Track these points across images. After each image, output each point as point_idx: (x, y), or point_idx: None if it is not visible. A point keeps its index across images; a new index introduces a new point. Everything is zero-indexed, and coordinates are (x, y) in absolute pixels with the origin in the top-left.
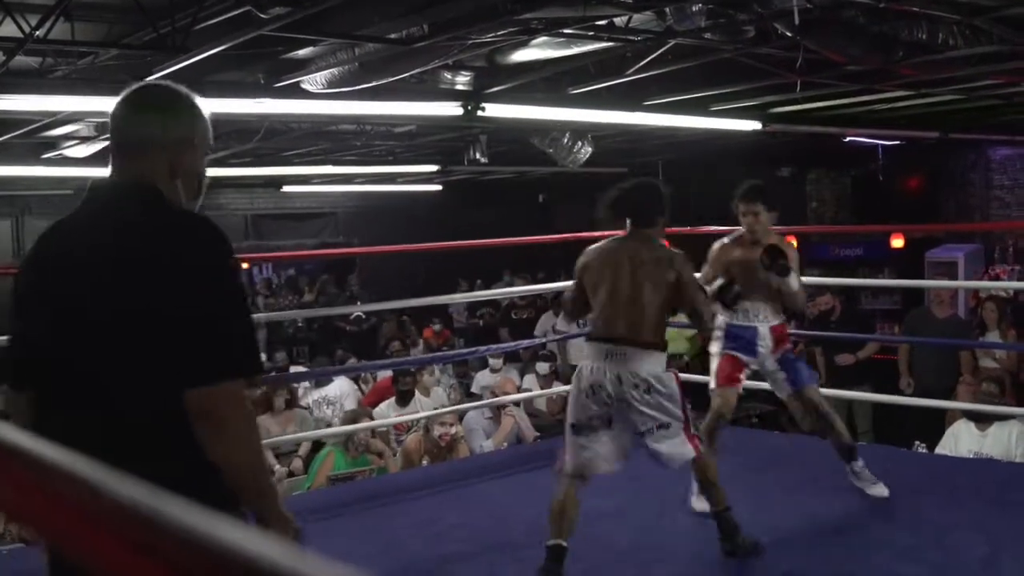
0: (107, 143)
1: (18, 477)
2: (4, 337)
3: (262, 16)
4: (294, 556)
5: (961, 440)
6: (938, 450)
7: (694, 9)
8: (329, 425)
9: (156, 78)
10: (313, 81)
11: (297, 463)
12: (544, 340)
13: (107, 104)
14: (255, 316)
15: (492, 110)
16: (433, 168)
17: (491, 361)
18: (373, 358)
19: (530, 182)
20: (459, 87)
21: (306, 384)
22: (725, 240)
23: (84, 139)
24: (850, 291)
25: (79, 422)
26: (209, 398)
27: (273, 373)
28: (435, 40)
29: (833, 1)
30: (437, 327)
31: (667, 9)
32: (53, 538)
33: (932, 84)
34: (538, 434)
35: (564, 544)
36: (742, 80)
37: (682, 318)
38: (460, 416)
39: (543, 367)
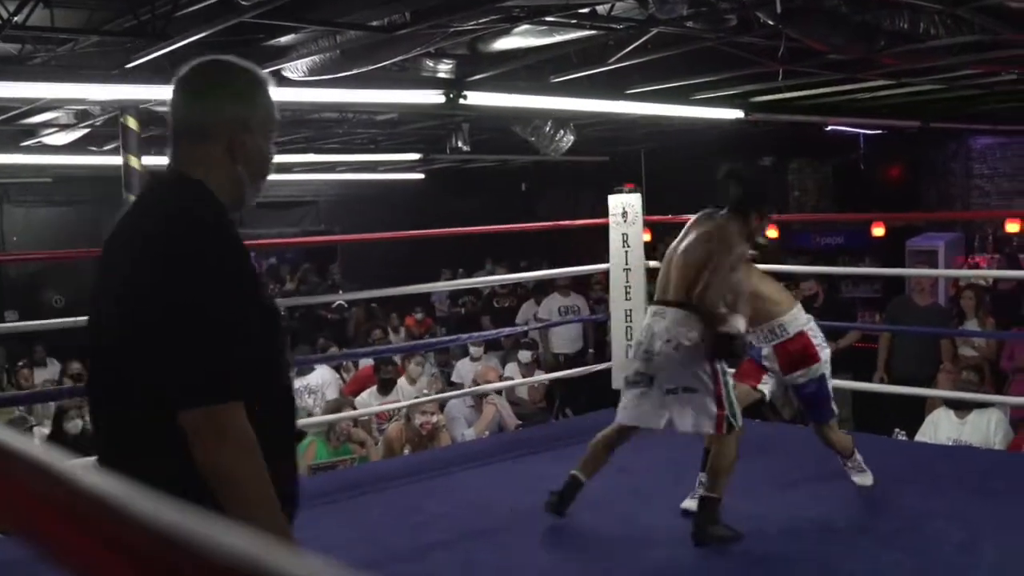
0: (86, 131)
1: None
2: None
3: (243, 3)
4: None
5: (941, 428)
6: (918, 438)
7: None
8: (311, 414)
9: (135, 65)
10: (294, 69)
11: None
12: (526, 328)
13: (87, 91)
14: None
15: (474, 98)
16: (415, 156)
17: (471, 350)
18: (354, 347)
19: (512, 170)
20: (441, 75)
21: None
22: None
23: (64, 127)
24: (831, 279)
25: (98, 419)
26: (186, 420)
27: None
28: (417, 28)
29: None
30: (419, 315)
31: None
32: (16, 529)
33: (914, 73)
34: (520, 422)
35: (581, 479)
36: (724, 69)
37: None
38: (441, 405)
39: (525, 355)
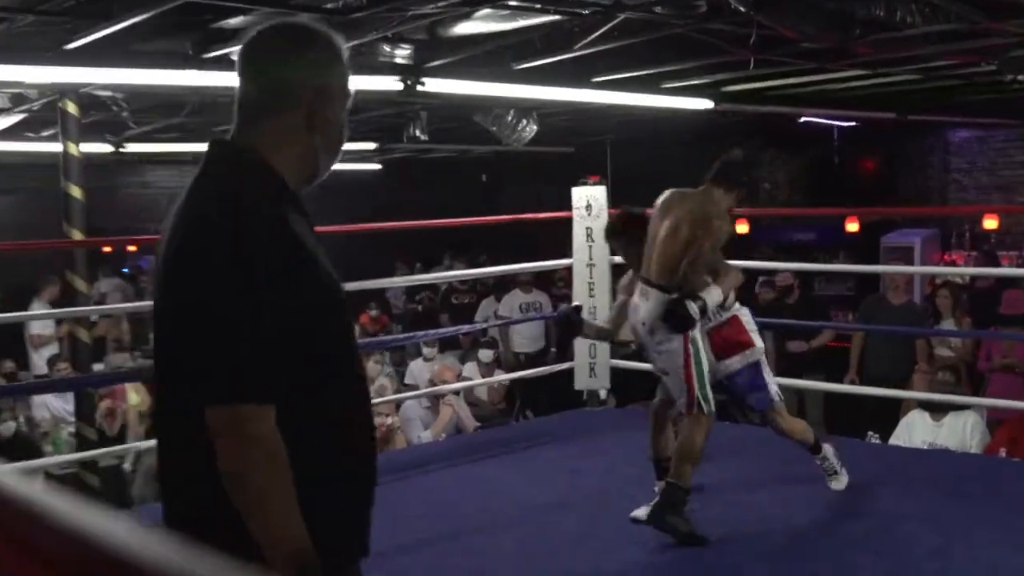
0: (23, 115)
1: None
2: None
3: None
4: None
5: (915, 430)
6: (892, 441)
7: None
8: None
9: (75, 47)
10: None
11: None
12: (485, 325)
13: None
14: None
15: (433, 85)
16: (371, 146)
17: (424, 350)
18: None
19: (472, 161)
20: (399, 60)
21: None
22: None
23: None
24: (804, 277)
25: (156, 408)
26: (209, 419)
27: None
28: (374, 11)
29: None
30: (374, 312)
31: None
32: None
33: (889, 63)
34: (479, 424)
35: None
36: (693, 57)
37: None
38: (397, 406)
39: (486, 354)
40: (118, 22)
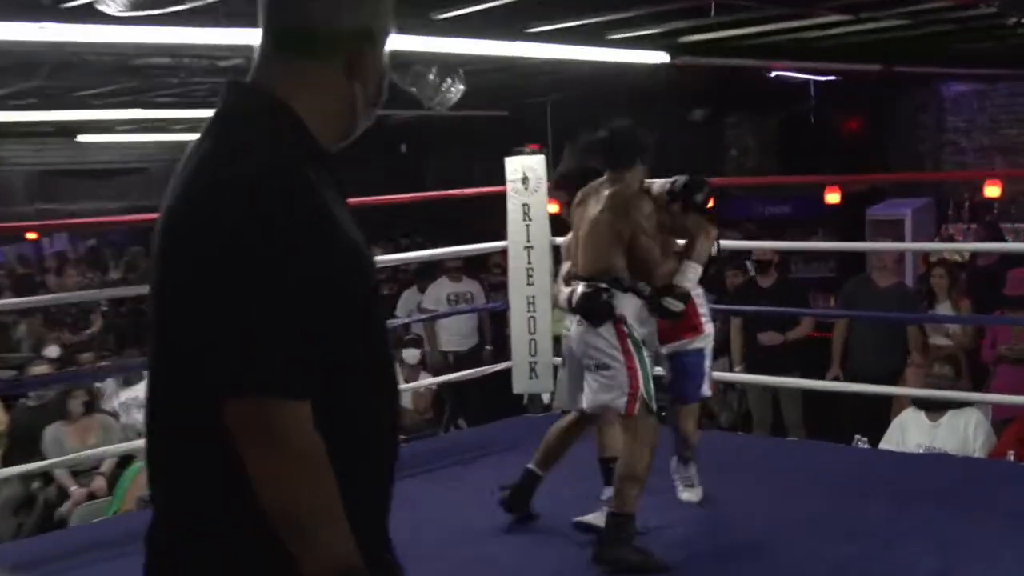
0: None
1: None
2: None
3: None
4: None
5: (909, 432)
6: (882, 445)
7: None
8: (140, 434)
9: None
10: (112, 1)
11: (99, 482)
12: (407, 320)
13: None
14: (64, 296)
15: None
16: None
17: None
18: None
19: (389, 129)
20: None
21: (112, 383)
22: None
23: None
24: (779, 257)
25: (151, 413)
26: (231, 416)
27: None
28: None
29: None
30: None
31: None
32: None
33: (874, 7)
34: (403, 436)
35: (539, 473)
36: (645, 3)
37: None
38: None
39: (410, 355)
40: None
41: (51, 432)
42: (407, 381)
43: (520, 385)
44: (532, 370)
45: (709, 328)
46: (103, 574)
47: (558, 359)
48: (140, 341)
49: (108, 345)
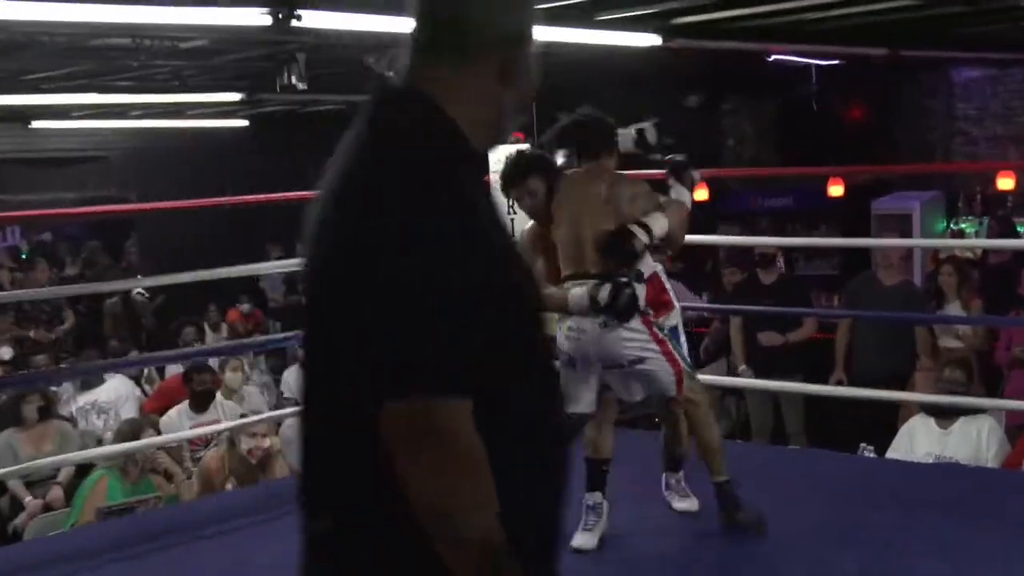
0: None
1: None
2: None
3: None
4: None
5: (918, 440)
6: (889, 453)
7: None
8: (100, 441)
9: None
10: None
11: (56, 492)
12: None
13: None
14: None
15: (311, 19)
16: (235, 97)
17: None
18: (161, 348)
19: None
20: None
21: (69, 386)
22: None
23: None
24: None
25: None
26: (387, 419)
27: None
28: None
29: None
30: (245, 308)
31: None
32: None
33: None
34: None
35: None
36: None
37: None
38: (277, 425)
39: None
40: None
41: (3, 439)
42: None
43: None
44: None
45: (677, 303)
46: None
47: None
48: (99, 342)
49: (66, 347)
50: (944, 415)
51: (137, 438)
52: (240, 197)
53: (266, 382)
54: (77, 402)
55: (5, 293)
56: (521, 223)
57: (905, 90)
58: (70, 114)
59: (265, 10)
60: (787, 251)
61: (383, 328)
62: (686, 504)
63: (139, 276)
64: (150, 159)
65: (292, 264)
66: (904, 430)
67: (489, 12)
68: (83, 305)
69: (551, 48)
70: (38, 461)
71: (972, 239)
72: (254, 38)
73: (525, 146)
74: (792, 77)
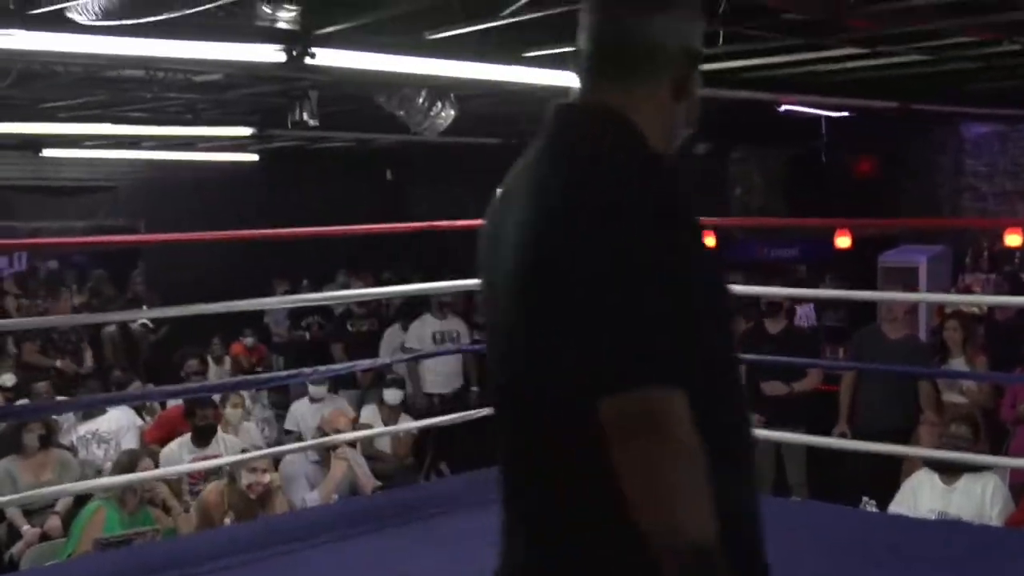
0: None
1: None
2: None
3: None
4: None
5: (922, 495)
6: (892, 508)
7: None
8: (100, 471)
9: None
10: (83, 9)
11: (54, 522)
12: (392, 361)
13: None
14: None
15: (325, 57)
16: (246, 131)
17: (311, 389)
18: (164, 379)
19: (375, 154)
20: (282, 24)
21: (70, 416)
22: None
23: None
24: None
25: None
26: (606, 412)
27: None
28: None
29: None
30: (249, 341)
31: None
32: None
33: (891, 40)
34: (379, 483)
35: None
36: None
37: None
38: (277, 460)
39: (392, 395)
40: None
41: (2, 467)
42: (387, 423)
43: None
44: None
45: None
46: None
47: None
48: (101, 371)
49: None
50: (948, 471)
51: (135, 468)
52: (248, 231)
53: (267, 417)
54: (78, 431)
55: (9, 321)
56: None
57: (915, 144)
58: (82, 143)
59: (280, 47)
60: (794, 301)
61: (605, 328)
62: None
63: (144, 307)
64: (160, 190)
65: (298, 300)
66: (908, 485)
67: (666, 35)
68: (86, 334)
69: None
70: (38, 491)
71: (978, 295)
72: (267, 74)
73: None
74: (802, 128)
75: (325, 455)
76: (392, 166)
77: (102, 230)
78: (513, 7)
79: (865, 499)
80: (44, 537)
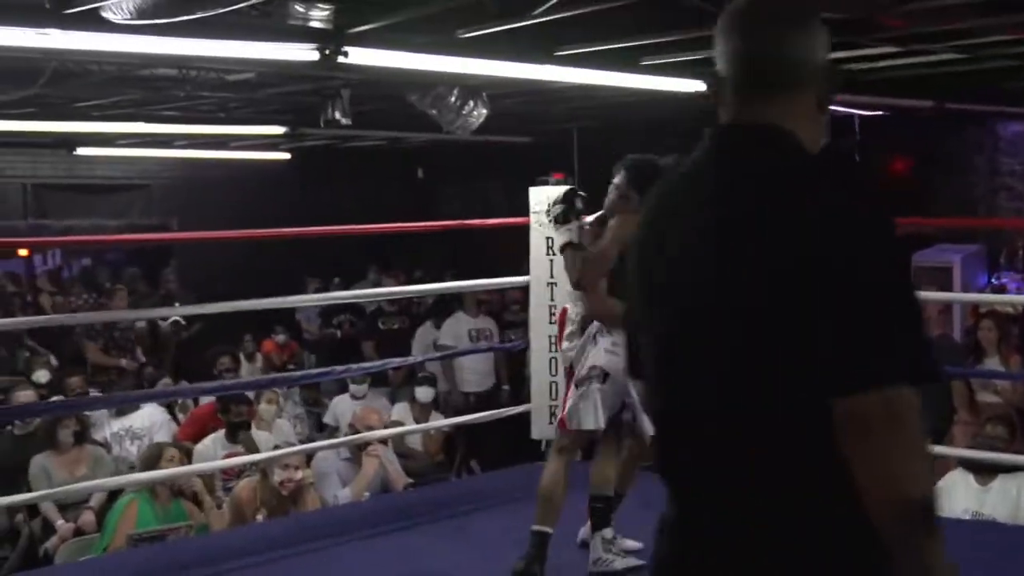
0: None
1: None
2: None
3: None
4: None
5: (956, 496)
6: None
7: None
8: (133, 468)
9: None
10: (117, 8)
11: (88, 517)
12: (423, 359)
13: None
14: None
15: (357, 56)
16: (279, 130)
17: (352, 386)
18: (196, 376)
19: (406, 152)
20: (315, 24)
21: (104, 412)
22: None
23: None
24: None
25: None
26: (845, 408)
27: (61, 397)
28: None
29: None
30: (281, 339)
31: None
32: None
33: (926, 39)
34: (411, 480)
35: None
36: (682, 26)
37: None
38: (308, 457)
39: (424, 393)
40: None
41: (38, 462)
42: (418, 421)
43: (539, 431)
44: (552, 415)
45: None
46: None
47: None
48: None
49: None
50: (983, 471)
51: (161, 460)
52: (279, 230)
53: (299, 414)
54: (111, 427)
55: (42, 318)
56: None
57: (949, 143)
58: (115, 142)
59: (312, 46)
60: None
61: (869, 324)
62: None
63: (177, 304)
64: (192, 189)
65: (329, 298)
66: (941, 485)
67: (811, 51)
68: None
69: (596, 90)
70: (72, 485)
71: (1012, 295)
72: (300, 73)
73: (567, 187)
74: (835, 127)
75: (357, 452)
76: (423, 164)
77: (135, 228)
78: (545, 6)
79: None
80: (78, 532)
